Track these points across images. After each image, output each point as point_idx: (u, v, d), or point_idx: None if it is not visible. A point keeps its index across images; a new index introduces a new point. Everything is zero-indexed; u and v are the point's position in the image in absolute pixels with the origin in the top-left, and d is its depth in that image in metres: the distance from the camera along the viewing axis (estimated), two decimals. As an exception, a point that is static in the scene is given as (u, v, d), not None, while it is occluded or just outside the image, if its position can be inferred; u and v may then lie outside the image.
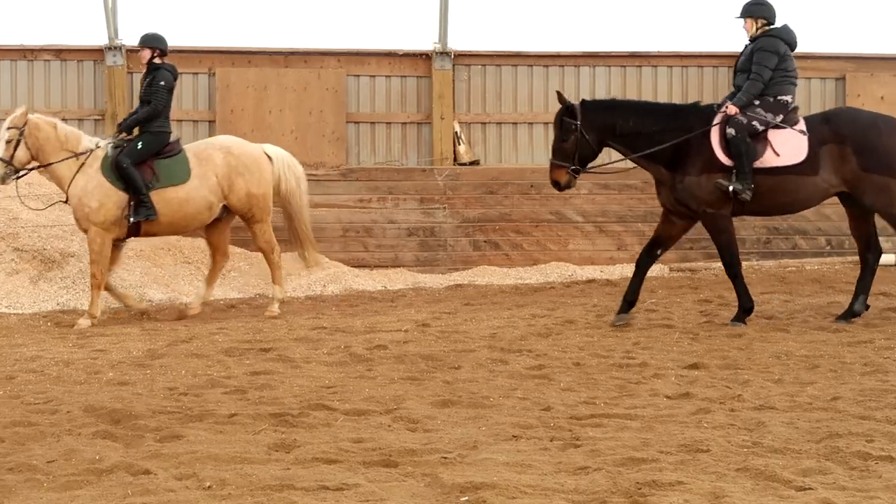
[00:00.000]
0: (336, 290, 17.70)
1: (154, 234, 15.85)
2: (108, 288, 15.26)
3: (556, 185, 13.82)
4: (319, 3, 21.20)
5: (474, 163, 20.25)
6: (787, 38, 13.73)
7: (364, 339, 13.21)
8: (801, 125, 13.52)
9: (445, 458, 8.23)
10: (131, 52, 19.62)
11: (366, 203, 19.50)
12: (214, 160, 15.33)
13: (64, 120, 19.45)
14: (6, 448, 8.68)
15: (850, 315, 13.80)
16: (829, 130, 13.58)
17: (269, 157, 15.80)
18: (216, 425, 9.27)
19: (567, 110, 13.58)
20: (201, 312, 15.49)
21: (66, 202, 15.21)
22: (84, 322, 14.67)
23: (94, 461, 8.27)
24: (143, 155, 14.91)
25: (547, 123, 19.59)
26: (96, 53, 19.77)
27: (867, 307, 14.07)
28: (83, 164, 14.88)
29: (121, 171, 14.70)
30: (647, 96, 20.17)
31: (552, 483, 7.48)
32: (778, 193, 13.55)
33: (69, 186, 14.88)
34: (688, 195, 13.47)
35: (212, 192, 15.24)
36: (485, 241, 19.62)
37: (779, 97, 13.55)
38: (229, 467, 8.06)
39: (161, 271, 17.38)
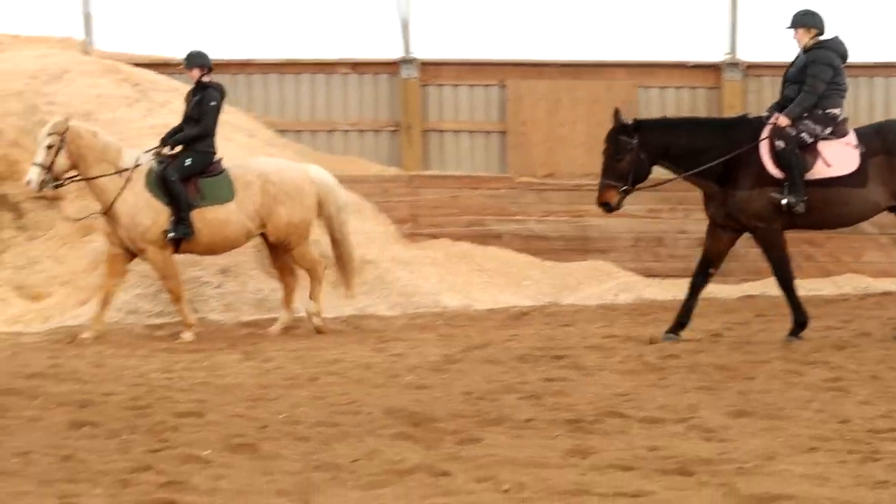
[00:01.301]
0: (627, 298, 17.63)
1: (191, 253, 15.18)
2: (104, 300, 14.54)
3: (607, 206, 13.32)
4: (609, 14, 21.10)
5: (765, 173, 20.02)
6: (840, 50, 13.28)
7: (656, 347, 13.14)
8: (851, 136, 13.10)
9: (742, 468, 8.13)
10: (425, 65, 19.90)
11: (657, 213, 19.35)
12: (253, 187, 14.77)
13: (360, 132, 19.98)
14: (312, 447, 8.89)
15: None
16: (879, 142, 13.18)
17: (311, 179, 15.28)
18: (513, 430, 9.33)
19: (623, 129, 13.16)
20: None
21: (103, 214, 14.51)
22: (187, 335, 14.35)
23: (395, 462, 8.41)
24: (189, 172, 14.46)
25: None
26: (391, 66, 20.05)
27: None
28: (129, 179, 14.36)
29: (168, 185, 14.27)
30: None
31: (851, 496, 7.33)
32: (830, 206, 13.08)
33: (115, 202, 14.27)
34: (738, 210, 13.08)
35: (249, 219, 14.73)
36: (776, 253, 19.36)
37: (827, 110, 13.06)
38: (527, 471, 8.11)
39: (455, 279, 17.56)
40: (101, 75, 18.21)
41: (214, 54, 19.99)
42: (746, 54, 20.15)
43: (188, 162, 14.42)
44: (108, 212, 14.29)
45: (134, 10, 20.36)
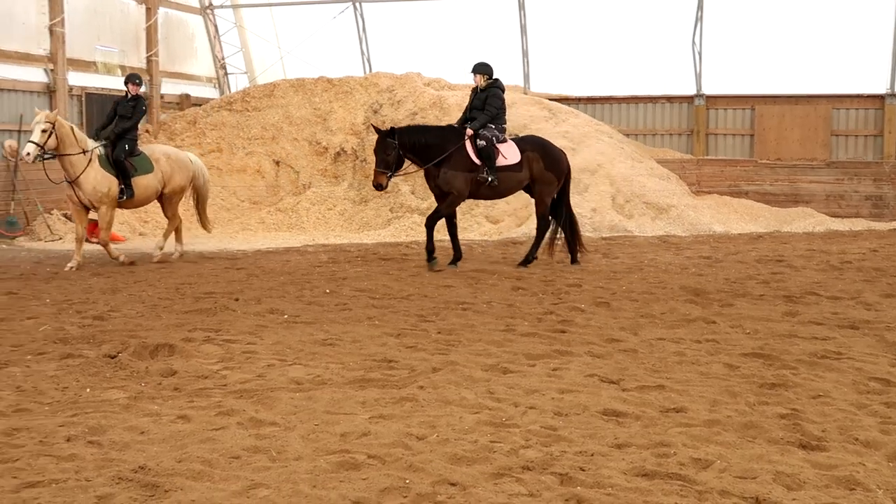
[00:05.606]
0: (821, 229, 16.36)
1: (125, 208, 12.64)
2: (78, 240, 11.87)
3: (379, 186, 11.40)
4: (814, 58, 19.48)
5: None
6: (503, 87, 11.75)
7: (837, 257, 12.30)
8: (511, 142, 11.67)
9: (889, 326, 7.59)
10: (709, 97, 19.10)
11: (840, 181, 18.17)
12: (161, 162, 12.34)
13: (670, 134, 19.39)
14: (639, 305, 8.75)
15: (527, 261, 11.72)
16: (527, 145, 11.74)
17: (191, 160, 12.86)
18: (752, 300, 8.96)
19: (388, 133, 11.28)
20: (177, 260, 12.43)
21: (69, 182, 11.68)
22: (123, 258, 12.03)
23: (684, 314, 8.23)
24: (127, 154, 11.84)
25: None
26: (689, 98, 19.35)
27: (535, 258, 11.77)
28: (90, 160, 11.66)
29: (118, 163, 11.81)
30: None
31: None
32: (503, 182, 11.51)
33: (81, 175, 11.57)
34: (443, 182, 11.37)
35: (159, 182, 12.24)
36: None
37: (502, 125, 11.60)
38: (759, 323, 7.79)
39: (721, 216, 16.82)
40: (531, 105, 18.29)
41: (592, 92, 20.09)
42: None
43: (126, 147, 11.94)
44: (74, 181, 11.64)
45: (547, 70, 20.42)
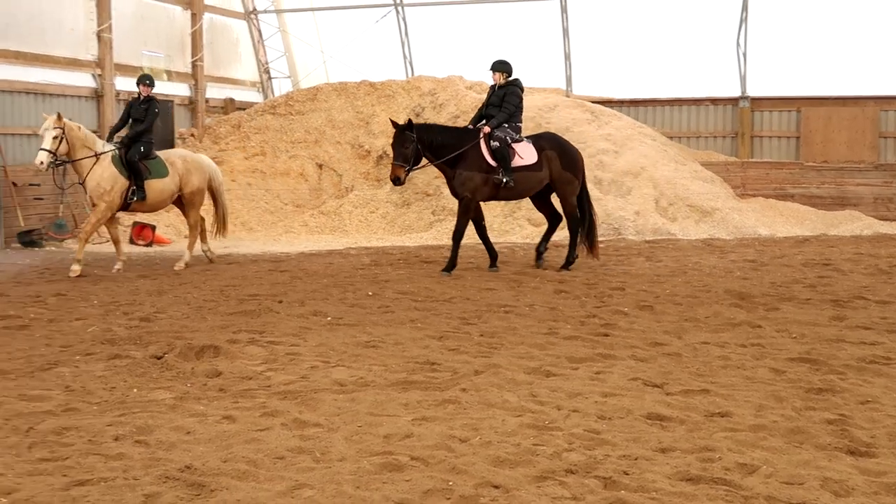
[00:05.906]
0: (869, 232, 16.07)
1: (137, 211, 12.53)
2: (115, 241, 12.01)
3: (397, 180, 10.99)
4: (860, 60, 19.16)
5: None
6: (521, 86, 11.45)
7: (886, 260, 12.08)
8: (527, 141, 11.44)
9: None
10: (753, 99, 18.87)
11: (889, 183, 17.83)
12: (177, 165, 12.06)
13: (714, 137, 19.19)
14: (683, 309, 8.65)
15: (539, 258, 11.77)
16: (544, 143, 11.54)
17: (207, 163, 12.56)
18: (798, 304, 8.84)
19: (406, 127, 11.03)
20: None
21: (81, 184, 11.68)
22: (76, 268, 11.32)
23: (729, 318, 8.13)
24: (142, 156, 11.62)
25: None
26: (734, 101, 19.14)
27: (545, 249, 11.92)
28: (98, 160, 11.38)
29: (131, 164, 11.55)
30: None
31: None
32: (521, 182, 11.27)
33: (88, 174, 11.42)
34: (458, 184, 11.14)
35: (175, 186, 11.97)
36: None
37: (517, 124, 11.35)
38: (806, 328, 7.68)
39: (766, 219, 16.61)
40: (574, 108, 18.22)
41: (635, 95, 19.93)
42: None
43: (142, 149, 11.69)
44: (83, 182, 11.54)
45: (589, 73, 20.31)
